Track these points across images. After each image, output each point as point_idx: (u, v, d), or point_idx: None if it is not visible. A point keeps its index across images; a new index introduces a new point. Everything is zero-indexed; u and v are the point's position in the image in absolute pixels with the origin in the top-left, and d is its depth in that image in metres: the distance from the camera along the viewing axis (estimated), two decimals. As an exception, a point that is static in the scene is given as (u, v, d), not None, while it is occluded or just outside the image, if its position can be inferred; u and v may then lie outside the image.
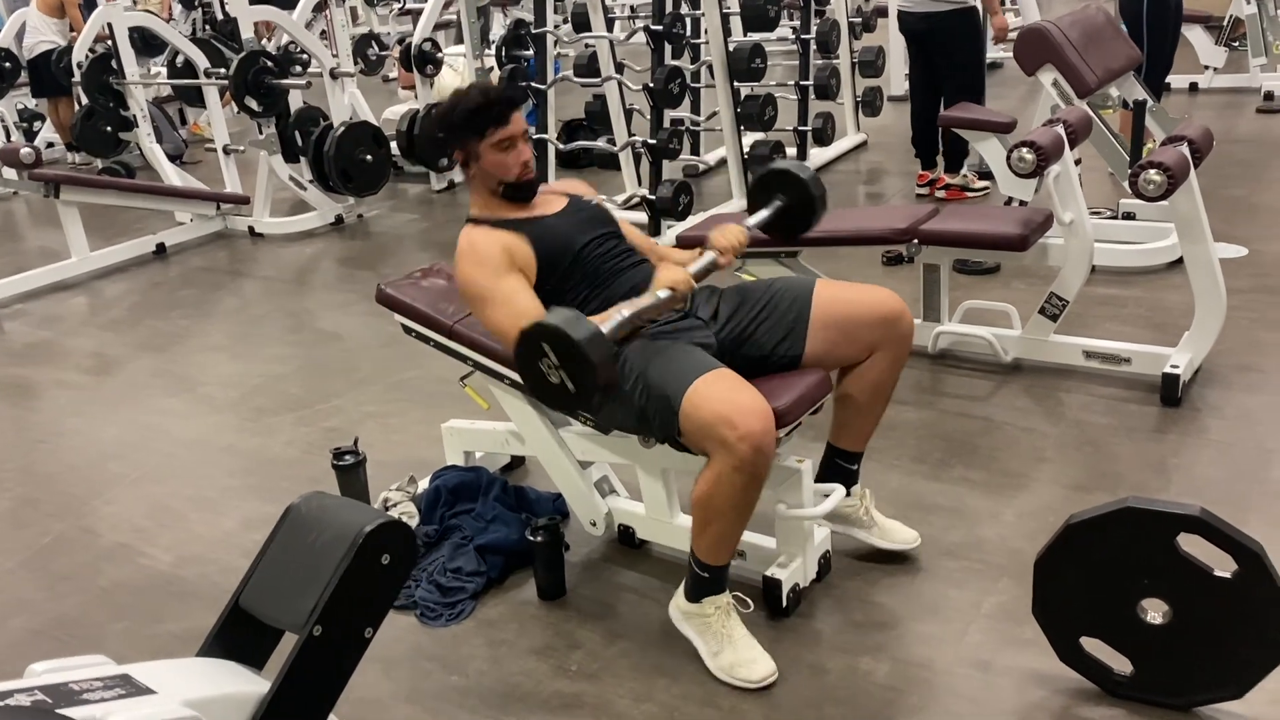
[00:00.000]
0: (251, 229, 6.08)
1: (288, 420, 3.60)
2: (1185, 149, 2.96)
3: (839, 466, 2.48)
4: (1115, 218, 4.58)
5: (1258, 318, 3.62)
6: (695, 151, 6.44)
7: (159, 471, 3.32)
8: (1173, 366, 3.07)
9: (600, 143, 5.55)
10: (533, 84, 5.18)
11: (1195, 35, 7.20)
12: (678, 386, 2.09)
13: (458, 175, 6.70)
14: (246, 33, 5.56)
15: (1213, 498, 2.55)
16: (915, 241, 3.37)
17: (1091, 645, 2.04)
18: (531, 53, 5.49)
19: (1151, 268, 4.14)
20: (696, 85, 6.26)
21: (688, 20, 5.70)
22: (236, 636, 1.22)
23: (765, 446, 2.01)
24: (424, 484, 2.86)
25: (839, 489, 2.36)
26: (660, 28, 4.75)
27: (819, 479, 2.47)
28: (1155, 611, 1.95)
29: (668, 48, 4.85)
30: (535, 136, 5.26)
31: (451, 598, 2.49)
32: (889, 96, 7.19)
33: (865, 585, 2.43)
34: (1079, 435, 2.99)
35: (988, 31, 5.46)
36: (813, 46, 5.96)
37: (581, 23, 5.65)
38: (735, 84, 5.26)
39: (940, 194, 5.25)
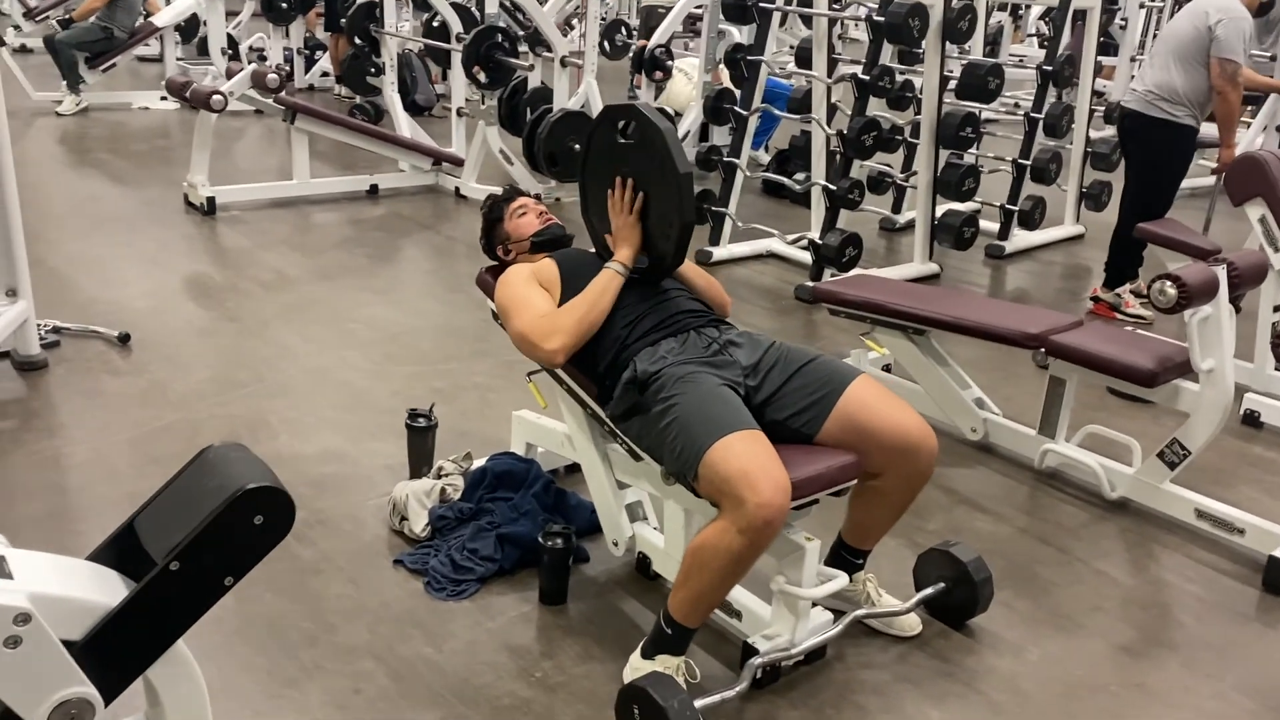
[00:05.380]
0: (457, 189, 6.43)
1: (404, 371, 3.82)
2: (1221, 271, 2.74)
3: (842, 557, 2.48)
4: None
5: None
6: (897, 207, 6.32)
7: (273, 389, 3.61)
8: (1284, 551, 2.79)
9: (783, 179, 5.54)
10: (735, 108, 5.22)
11: None
12: (712, 431, 2.10)
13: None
14: (491, 7, 5.87)
15: (1269, 702, 2.34)
16: (1043, 351, 3.21)
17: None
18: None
19: (1327, 440, 3.75)
20: (915, 140, 6.12)
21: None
22: (125, 551, 1.35)
23: (776, 519, 2.00)
24: (481, 462, 2.98)
25: (841, 577, 2.32)
26: (867, 77, 4.69)
27: (826, 563, 2.47)
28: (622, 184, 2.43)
29: (872, 99, 4.78)
30: (725, 160, 5.32)
31: (461, 575, 2.59)
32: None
33: (851, 681, 2.35)
34: (1153, 596, 2.77)
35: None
36: (1040, 126, 5.71)
37: (805, 59, 5.64)
38: (940, 148, 5.12)
39: (1088, 304, 4.95)
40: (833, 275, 4.81)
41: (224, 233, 5.42)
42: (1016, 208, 5.76)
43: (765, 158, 7.11)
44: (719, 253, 5.37)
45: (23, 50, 10.42)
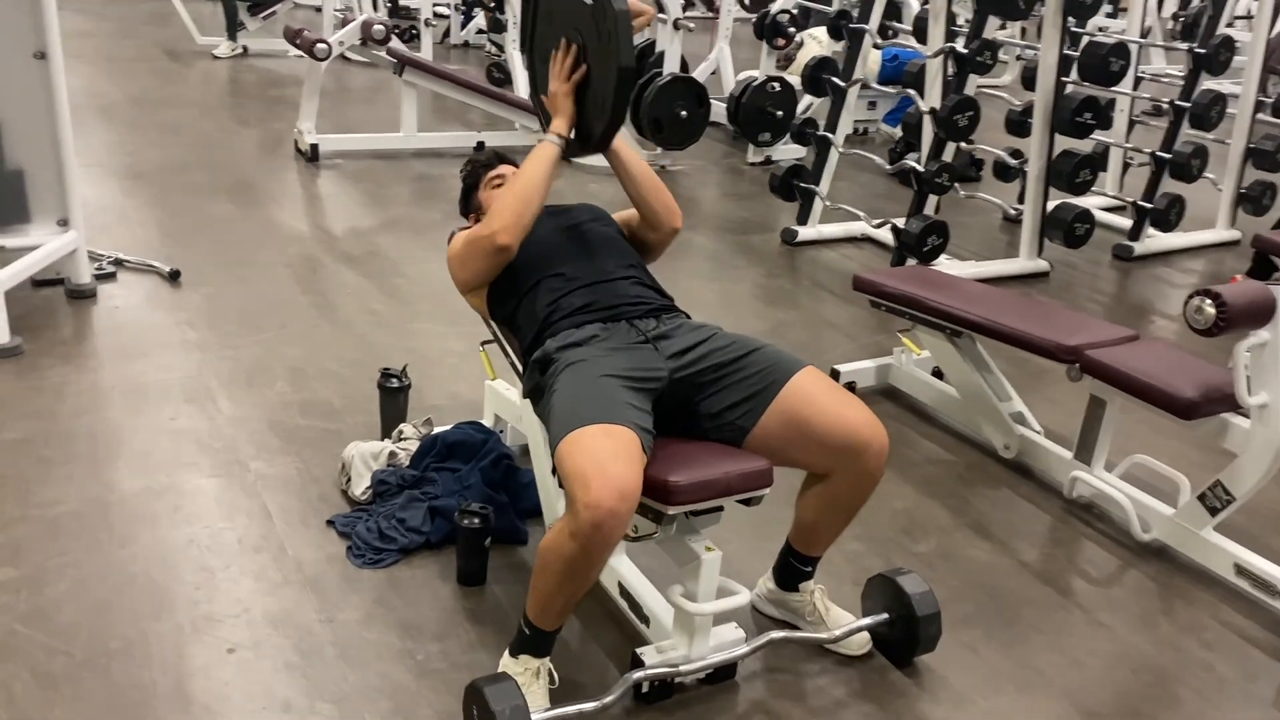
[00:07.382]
0: (562, 151, 6.33)
1: (426, 331, 3.77)
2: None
3: (790, 564, 2.28)
4: None
5: None
6: (1022, 196, 5.82)
7: (292, 336, 3.62)
8: (1323, 626, 2.36)
9: (872, 155, 5.17)
10: (833, 79, 4.90)
11: None
12: (571, 423, 1.93)
13: (778, 153, 6.55)
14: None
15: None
16: (1077, 366, 2.84)
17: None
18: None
19: None
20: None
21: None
22: None
23: (606, 523, 1.77)
24: (443, 429, 2.89)
25: (743, 594, 2.10)
26: (965, 51, 4.29)
27: (775, 569, 2.33)
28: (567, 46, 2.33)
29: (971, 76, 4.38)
30: (818, 134, 5.02)
31: (384, 544, 2.51)
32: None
33: (753, 710, 2.13)
34: (1153, 659, 2.40)
35: None
36: (1186, 117, 5.12)
37: (921, 30, 5.23)
38: (1055, 134, 4.65)
39: None
40: (911, 264, 4.47)
41: (319, 180, 5.53)
42: (1151, 205, 5.18)
43: (899, 135, 6.71)
44: (806, 232, 5.08)
45: (210, -2, 11.04)
